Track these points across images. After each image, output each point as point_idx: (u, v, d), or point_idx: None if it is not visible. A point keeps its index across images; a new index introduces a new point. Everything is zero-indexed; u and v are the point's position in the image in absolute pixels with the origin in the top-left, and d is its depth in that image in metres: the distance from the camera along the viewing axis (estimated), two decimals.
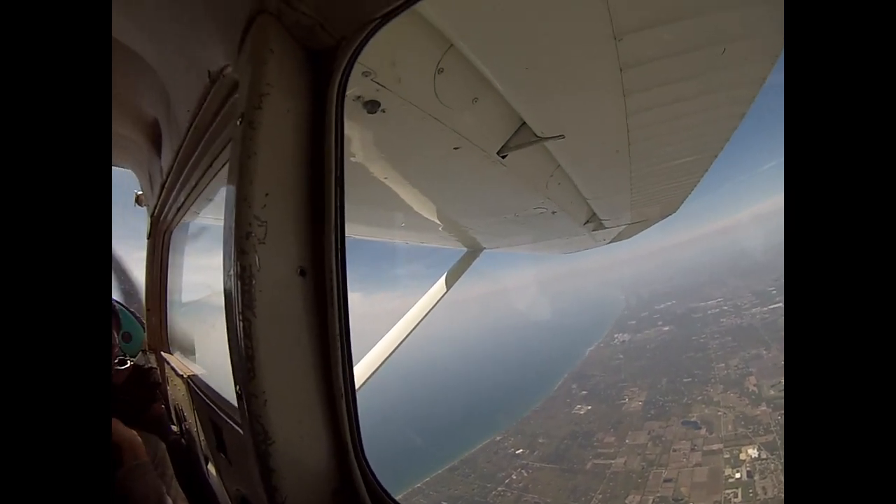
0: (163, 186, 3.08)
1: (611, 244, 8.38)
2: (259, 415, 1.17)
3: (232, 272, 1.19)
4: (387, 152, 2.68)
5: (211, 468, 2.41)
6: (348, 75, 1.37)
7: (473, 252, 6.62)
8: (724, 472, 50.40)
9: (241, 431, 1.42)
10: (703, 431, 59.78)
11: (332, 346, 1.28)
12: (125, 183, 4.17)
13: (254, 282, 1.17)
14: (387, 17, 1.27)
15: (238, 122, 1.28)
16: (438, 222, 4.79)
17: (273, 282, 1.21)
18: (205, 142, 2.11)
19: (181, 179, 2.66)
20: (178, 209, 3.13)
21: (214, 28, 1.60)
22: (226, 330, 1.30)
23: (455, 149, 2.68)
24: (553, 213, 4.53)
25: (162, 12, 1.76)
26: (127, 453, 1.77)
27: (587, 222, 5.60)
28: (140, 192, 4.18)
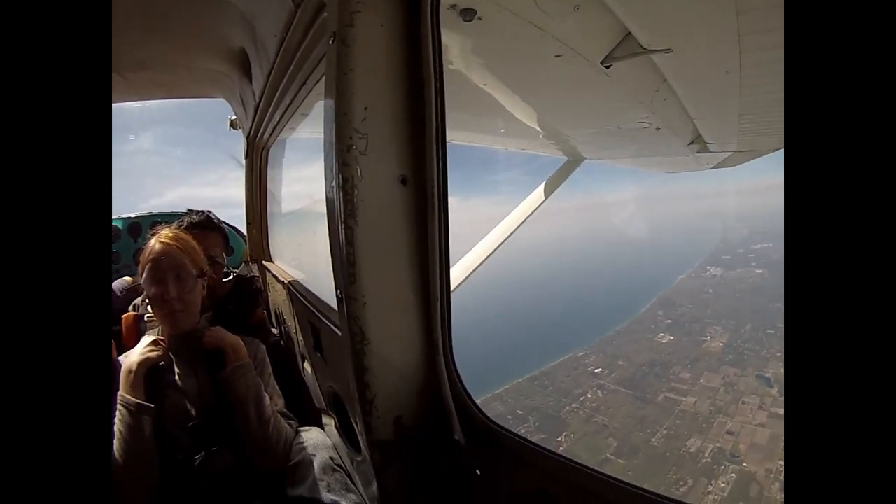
0: (256, 109, 3.20)
1: (715, 169, 7.81)
2: (357, 316, 1.24)
3: (334, 183, 1.23)
4: (485, 60, 2.64)
5: (307, 366, 2.62)
6: None
7: (574, 161, 6.43)
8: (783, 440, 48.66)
9: (338, 332, 1.52)
10: (774, 391, 57.17)
11: (430, 252, 1.30)
12: (218, 110, 4.40)
13: (356, 191, 1.21)
14: None
15: (331, 41, 1.27)
16: (539, 129, 4.73)
17: (374, 190, 1.24)
18: (295, 63, 2.12)
19: (275, 100, 2.73)
20: (274, 128, 3.24)
21: None
22: (328, 237, 1.37)
23: (557, 56, 2.58)
24: (657, 129, 4.38)
25: None
26: (230, 355, 1.98)
27: (692, 143, 5.31)
28: (233, 118, 4.41)
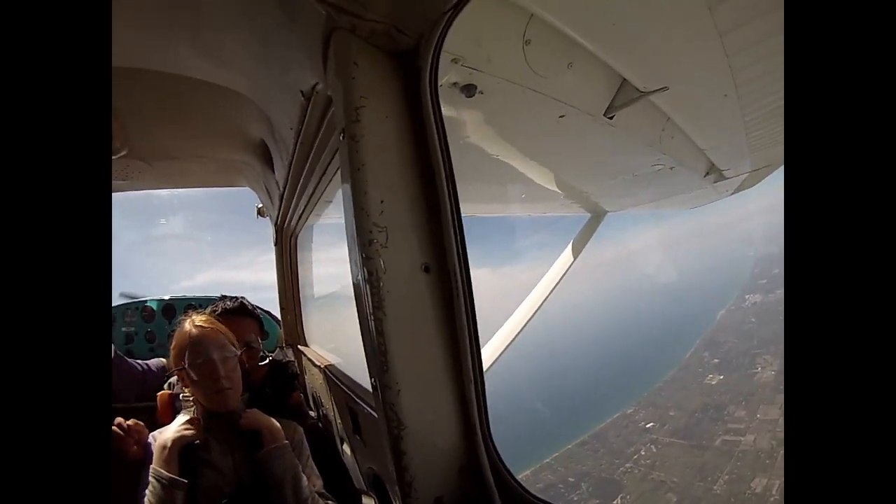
0: (281, 198, 3.33)
1: (735, 195, 7.73)
2: (392, 403, 1.26)
3: (360, 277, 1.28)
4: (494, 130, 2.71)
5: (346, 448, 2.61)
6: (436, 69, 1.38)
7: (597, 217, 6.42)
8: None
9: (375, 416, 1.52)
10: None
11: (459, 334, 1.33)
12: (244, 197, 4.63)
13: (381, 283, 1.24)
14: (459, 6, 1.25)
15: (340, 137, 1.34)
16: (558, 190, 4.78)
17: (399, 281, 1.27)
18: (314, 153, 2.23)
19: (298, 189, 2.85)
20: (300, 215, 3.37)
21: (295, 52, 1.68)
22: (359, 326, 1.40)
23: (560, 117, 2.65)
24: (671, 168, 4.38)
25: (249, 50, 1.88)
26: (266, 437, 1.99)
27: (707, 174, 5.29)
28: (260, 206, 4.60)
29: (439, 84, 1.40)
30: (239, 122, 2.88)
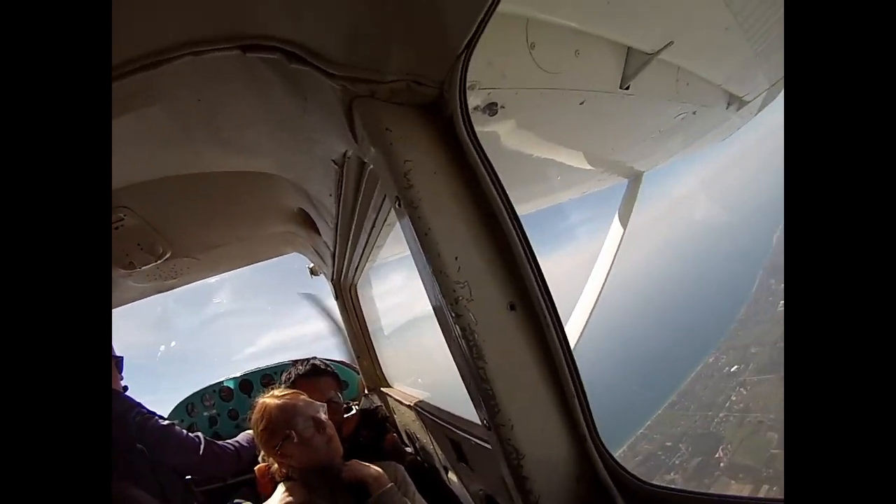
0: (333, 256, 3.43)
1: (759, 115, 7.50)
2: (509, 438, 1.31)
3: (455, 334, 1.32)
4: (524, 136, 2.77)
5: (452, 476, 2.63)
6: (466, 110, 1.40)
7: (635, 180, 6.29)
8: None
9: (486, 446, 1.60)
10: None
11: (556, 360, 1.36)
12: (297, 265, 4.79)
13: (476, 336, 1.28)
14: (471, 44, 1.26)
15: (398, 205, 1.38)
16: (593, 167, 4.85)
17: (491, 328, 1.31)
18: (358, 213, 2.30)
19: (349, 246, 2.92)
20: (356, 268, 3.45)
21: (319, 128, 1.72)
22: (457, 371, 1.46)
23: (581, 104, 2.67)
24: (694, 113, 4.36)
25: (272, 136, 1.93)
26: (372, 486, 2.03)
27: (729, 105, 5.16)
28: (311, 266, 4.73)
29: None
30: (275, 199, 2.96)
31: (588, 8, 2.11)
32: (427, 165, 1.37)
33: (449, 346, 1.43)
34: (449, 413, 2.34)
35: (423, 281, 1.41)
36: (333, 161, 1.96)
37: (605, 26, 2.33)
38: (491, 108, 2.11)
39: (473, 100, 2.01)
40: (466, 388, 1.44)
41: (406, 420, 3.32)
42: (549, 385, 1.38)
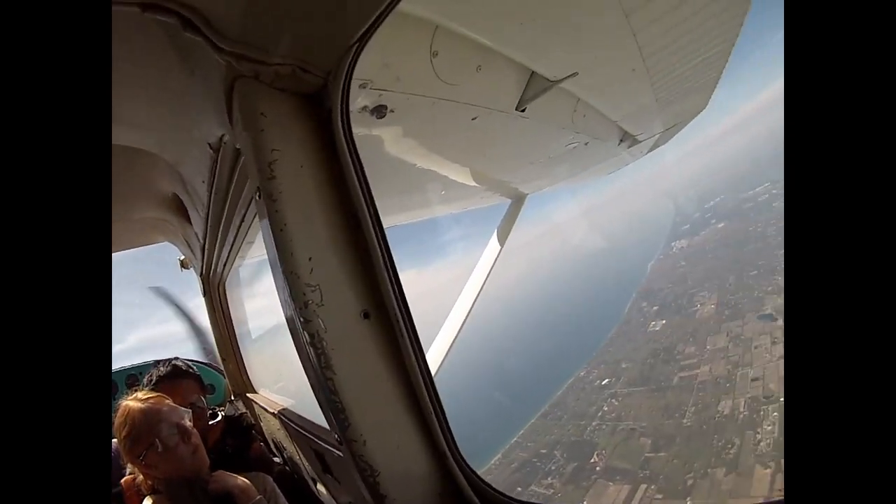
0: (203, 249, 3.20)
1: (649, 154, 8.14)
2: (361, 454, 1.25)
3: (304, 340, 1.23)
4: (409, 144, 2.69)
5: (320, 487, 2.54)
6: (347, 106, 1.33)
7: (518, 201, 6.41)
8: None
9: (343, 456, 1.51)
10: (779, 321, 58.34)
11: (410, 372, 1.32)
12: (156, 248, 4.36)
13: (324, 343, 1.21)
14: (365, 38, 1.21)
15: (258, 196, 1.28)
16: (477, 184, 4.82)
17: (342, 336, 1.24)
18: (229, 204, 2.15)
19: (219, 239, 2.74)
20: (224, 264, 3.22)
21: (199, 105, 1.60)
22: (307, 380, 1.37)
23: (473, 119, 2.65)
24: (586, 143, 4.48)
25: (153, 107, 1.79)
26: (240, 498, 1.96)
27: (621, 142, 5.48)
28: (182, 258, 4.37)
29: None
30: (150, 180, 2.78)
31: (500, 26, 2.10)
32: (295, 157, 1.28)
33: (299, 355, 1.35)
34: (311, 422, 2.22)
35: (275, 282, 1.32)
36: (210, 145, 1.82)
37: (513, 47, 2.32)
38: (380, 111, 2.02)
39: (363, 99, 1.91)
40: (317, 399, 1.36)
41: (272, 428, 3.17)
42: (404, 399, 1.33)
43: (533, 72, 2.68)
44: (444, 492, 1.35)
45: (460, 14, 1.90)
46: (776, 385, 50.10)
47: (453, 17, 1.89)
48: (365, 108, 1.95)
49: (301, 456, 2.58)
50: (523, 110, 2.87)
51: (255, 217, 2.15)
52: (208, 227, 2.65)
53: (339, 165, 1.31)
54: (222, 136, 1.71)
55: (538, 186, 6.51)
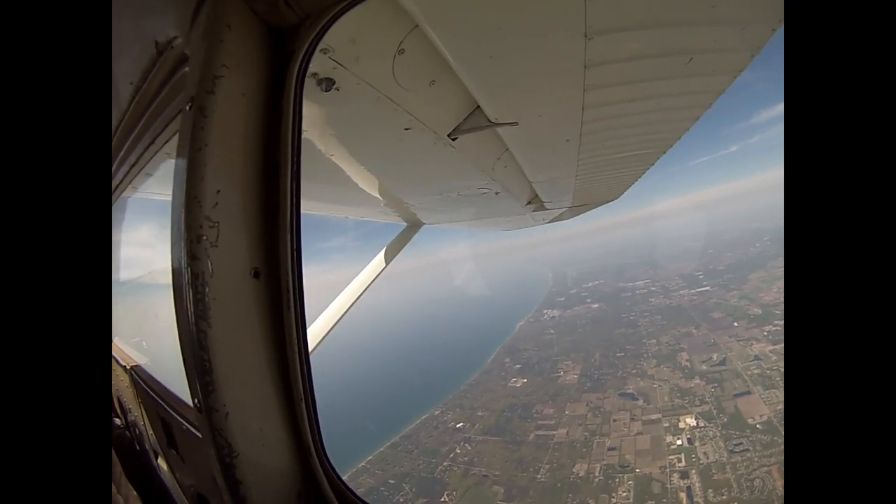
0: None
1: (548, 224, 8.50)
2: (221, 428, 1.14)
3: (184, 280, 1.10)
4: (336, 130, 2.60)
5: (161, 462, 2.31)
6: (311, 56, 1.28)
7: (413, 227, 6.50)
8: (665, 439, 53.15)
9: (198, 434, 1.36)
10: (640, 402, 62.31)
11: (289, 349, 1.24)
12: None
13: (207, 289, 1.09)
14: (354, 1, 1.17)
15: (188, 108, 1.16)
16: (381, 198, 4.73)
17: (227, 287, 1.14)
18: (148, 115, 1.93)
19: (122, 154, 2.44)
20: (118, 185, 2.84)
21: None
22: (177, 335, 1.22)
23: (406, 129, 2.63)
24: (497, 193, 4.57)
25: None
26: None
27: (529, 203, 5.70)
28: None
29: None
30: None
31: (469, 49, 2.12)
32: (240, 82, 1.19)
33: (174, 298, 1.19)
34: (166, 389, 2.02)
35: (172, 207, 1.17)
36: (157, 43, 1.62)
37: (471, 75, 2.34)
38: (328, 83, 1.96)
39: (317, 65, 1.82)
40: (182, 354, 1.21)
41: (120, 384, 2.83)
42: (276, 379, 1.24)
43: (478, 106, 2.74)
44: (304, 492, 1.26)
45: (441, 21, 1.90)
46: (632, 456, 53.00)
47: (434, 22, 1.88)
48: (315, 74, 1.88)
49: (147, 423, 2.33)
50: (454, 139, 2.90)
51: (163, 146, 1.98)
52: (115, 137, 2.34)
53: (280, 109, 1.24)
54: (173, 38, 1.55)
55: (437, 220, 6.63)
